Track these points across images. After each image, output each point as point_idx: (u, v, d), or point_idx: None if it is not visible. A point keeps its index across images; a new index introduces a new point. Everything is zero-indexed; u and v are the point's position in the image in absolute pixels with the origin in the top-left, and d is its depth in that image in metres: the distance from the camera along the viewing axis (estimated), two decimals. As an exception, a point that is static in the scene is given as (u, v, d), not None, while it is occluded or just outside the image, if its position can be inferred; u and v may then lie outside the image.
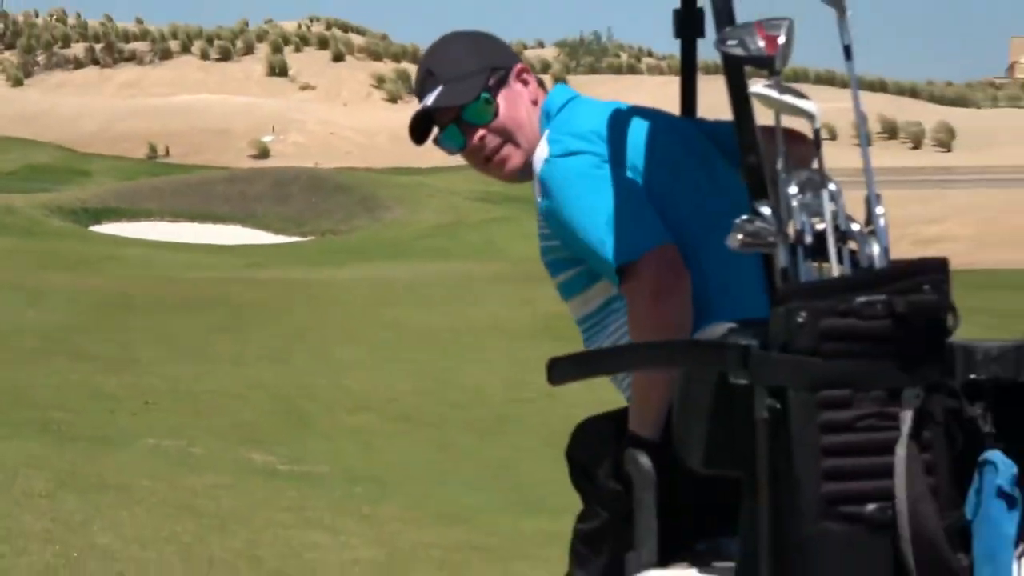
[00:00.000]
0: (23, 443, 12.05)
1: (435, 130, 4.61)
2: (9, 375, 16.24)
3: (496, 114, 4.56)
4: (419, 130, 4.64)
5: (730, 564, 4.01)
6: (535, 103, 4.62)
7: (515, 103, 4.59)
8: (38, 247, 32.97)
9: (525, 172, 4.60)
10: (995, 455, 3.65)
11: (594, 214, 4.41)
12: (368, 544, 9.48)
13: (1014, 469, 3.62)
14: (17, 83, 69.49)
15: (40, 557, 8.74)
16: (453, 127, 4.57)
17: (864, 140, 4.14)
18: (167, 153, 56.56)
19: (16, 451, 11.53)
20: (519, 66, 4.64)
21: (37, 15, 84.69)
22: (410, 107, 4.78)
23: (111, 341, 19.35)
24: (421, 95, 4.60)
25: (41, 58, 73.68)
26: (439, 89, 4.54)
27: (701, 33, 4.46)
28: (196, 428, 13.67)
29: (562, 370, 4.23)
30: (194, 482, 11.08)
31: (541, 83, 4.69)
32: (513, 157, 4.60)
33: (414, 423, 14.95)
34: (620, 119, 4.59)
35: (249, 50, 72.24)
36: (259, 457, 12.62)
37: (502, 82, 4.58)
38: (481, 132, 4.56)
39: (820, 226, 3.88)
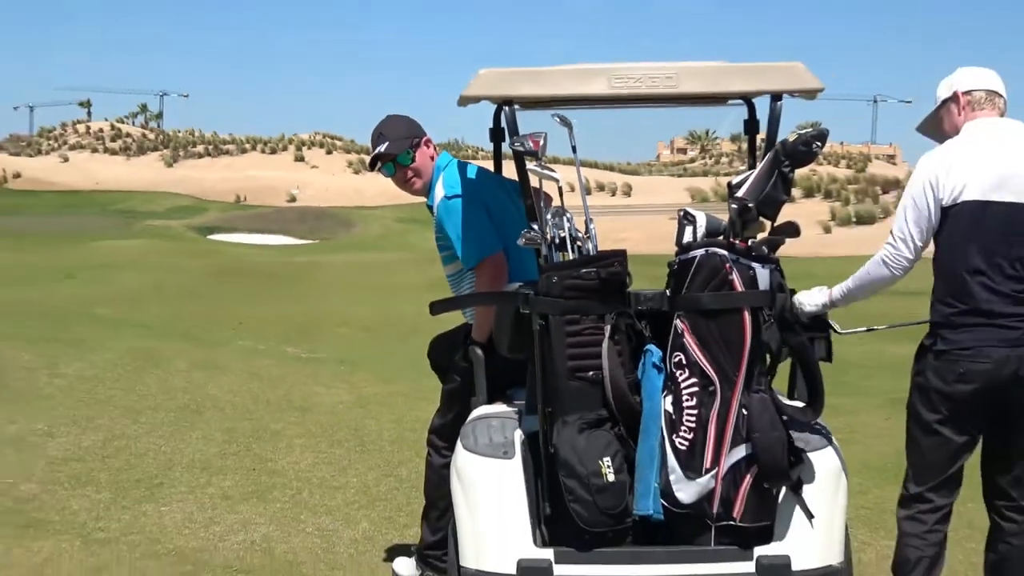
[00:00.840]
0: (173, 343, 11.83)
1: (379, 164, 4.52)
2: (167, 310, 16.01)
3: (413, 161, 4.48)
4: (372, 163, 4.57)
5: (522, 401, 3.98)
6: (432, 158, 4.54)
7: (423, 157, 4.51)
8: (181, 247, 32.29)
9: (421, 191, 4.53)
10: (651, 347, 3.69)
11: (460, 232, 4.35)
12: (347, 393, 9.39)
13: (661, 353, 3.67)
14: (169, 165, 67.69)
15: (181, 401, 8.59)
16: (390, 164, 4.49)
17: (583, 191, 4.15)
18: (245, 199, 55.35)
19: (169, 349, 11.32)
20: (427, 137, 4.55)
21: (179, 131, 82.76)
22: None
23: (217, 293, 19.05)
24: (375, 146, 4.51)
25: (181, 152, 71.79)
26: (386, 144, 4.47)
27: (503, 139, 4.40)
28: (260, 336, 13.48)
29: (438, 307, 4.29)
30: (259, 363, 10.90)
31: (436, 148, 4.63)
32: (417, 183, 4.52)
33: (369, 332, 14.86)
34: (477, 176, 4.53)
35: (285, 148, 70.74)
36: (292, 350, 12.47)
37: (418, 145, 4.50)
38: (404, 169, 4.49)
39: (562, 235, 3.89)
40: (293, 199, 54.79)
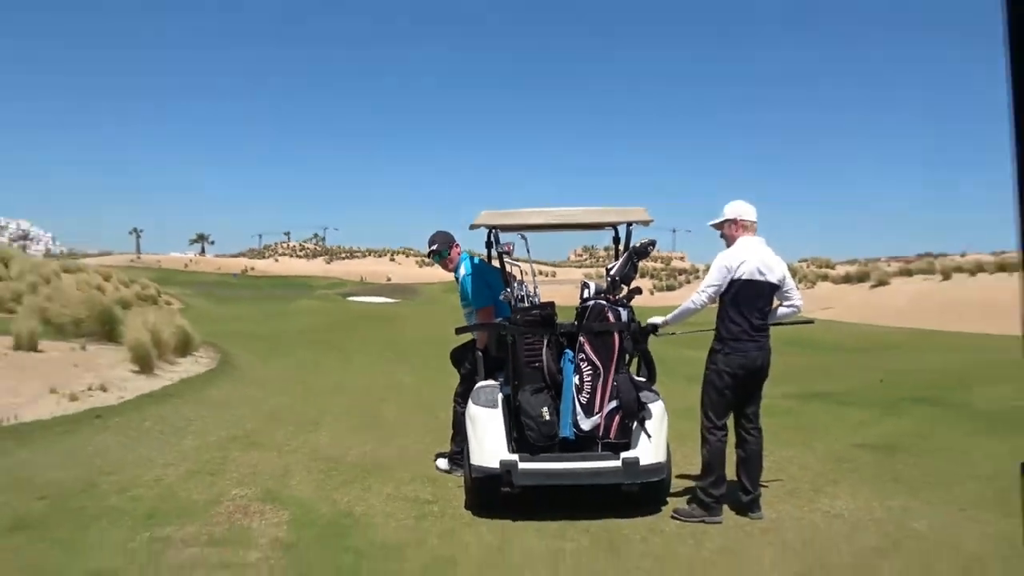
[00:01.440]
0: (327, 353, 11.46)
1: (431, 256, 4.40)
2: (325, 335, 15.60)
3: (450, 255, 4.35)
4: (428, 255, 4.43)
5: (502, 379, 3.87)
6: (459, 254, 4.39)
7: (455, 253, 4.38)
8: (333, 304, 31.76)
9: (452, 271, 4.36)
10: (568, 351, 3.60)
11: (472, 293, 4.21)
12: (413, 377, 9.14)
13: (572, 354, 3.56)
14: (328, 263, 66.33)
15: (330, 383, 8.33)
16: (437, 256, 4.37)
17: (533, 273, 4.07)
18: (364, 279, 54.72)
19: (325, 356, 10.98)
20: (457, 242, 4.42)
21: (333, 246, 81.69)
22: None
23: (347, 329, 18.69)
24: (429, 246, 4.39)
25: (333, 257, 70.94)
26: (435, 245, 4.35)
27: (492, 246, 4.34)
28: (369, 349, 13.16)
29: (460, 331, 4.10)
30: (371, 363, 10.62)
31: (459, 248, 4.45)
32: (451, 266, 4.36)
33: (426, 344, 14.47)
34: (480, 264, 4.37)
35: (385, 254, 70.42)
36: (387, 355, 12.16)
37: (452, 246, 4.37)
38: (445, 259, 4.36)
39: (522, 294, 3.81)
40: (389, 280, 54.31)
